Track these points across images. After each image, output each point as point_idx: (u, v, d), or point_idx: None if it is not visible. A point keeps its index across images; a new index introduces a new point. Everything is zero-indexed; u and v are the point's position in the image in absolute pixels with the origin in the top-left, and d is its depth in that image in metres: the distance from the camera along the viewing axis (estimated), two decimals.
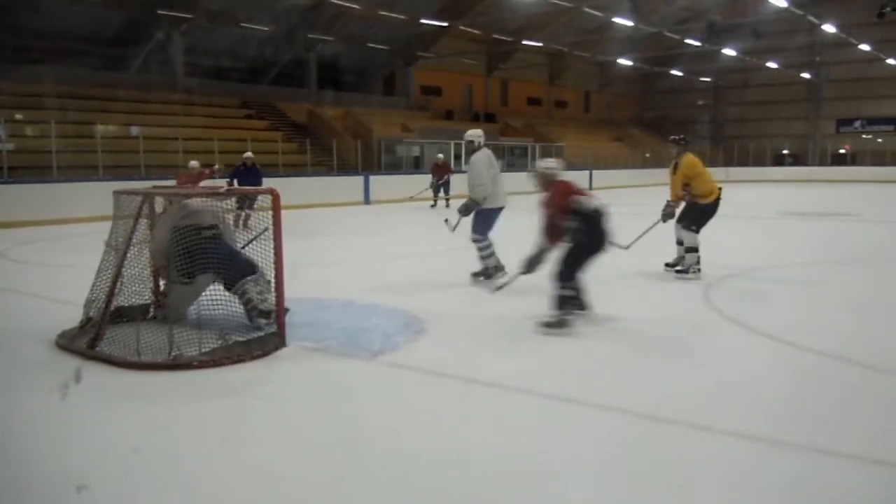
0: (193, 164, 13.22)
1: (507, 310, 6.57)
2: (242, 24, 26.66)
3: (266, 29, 27.76)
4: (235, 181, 13.24)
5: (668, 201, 8.01)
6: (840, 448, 3.42)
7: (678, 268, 8.02)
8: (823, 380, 4.55)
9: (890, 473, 3.20)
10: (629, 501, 2.98)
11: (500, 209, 7.77)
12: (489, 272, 7.70)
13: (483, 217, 7.70)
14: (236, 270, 5.52)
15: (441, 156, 20.61)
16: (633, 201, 15.90)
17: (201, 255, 5.37)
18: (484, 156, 7.66)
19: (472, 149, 7.69)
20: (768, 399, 4.19)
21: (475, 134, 7.85)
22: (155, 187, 6.04)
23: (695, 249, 7.84)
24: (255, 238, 5.70)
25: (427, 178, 20.60)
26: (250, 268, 5.59)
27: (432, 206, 19.63)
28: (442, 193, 19.68)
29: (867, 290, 7.66)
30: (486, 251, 7.72)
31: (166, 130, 21.05)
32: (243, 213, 8.95)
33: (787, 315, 6.37)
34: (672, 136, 8.29)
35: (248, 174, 13.48)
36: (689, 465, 3.32)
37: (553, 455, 3.40)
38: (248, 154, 14.03)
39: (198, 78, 25.81)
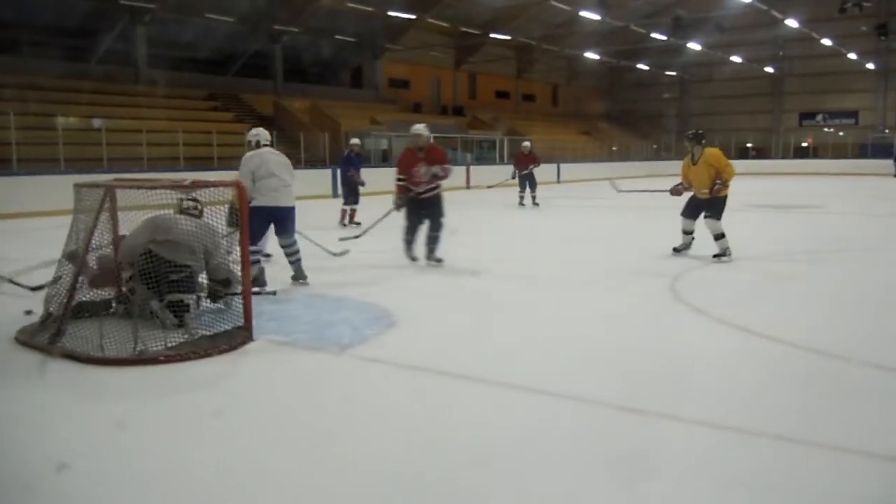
0: (526, 144, 15.68)
1: (475, 302, 6.57)
2: (207, 15, 26.29)
3: (231, 20, 27.40)
4: (352, 169, 12.85)
5: (680, 183, 8.96)
6: (806, 437, 3.46)
7: (716, 252, 8.58)
8: (790, 370, 4.59)
9: (857, 462, 3.23)
10: (600, 491, 2.98)
11: (263, 209, 6.73)
12: (259, 281, 6.75)
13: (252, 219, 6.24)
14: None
15: (528, 143, 18.03)
16: (604, 194, 15.99)
17: (162, 285, 5.29)
18: (249, 154, 6.86)
19: (250, 149, 6.96)
20: (734, 389, 4.22)
21: (250, 134, 7.13)
22: (117, 179, 5.91)
23: (722, 235, 8.55)
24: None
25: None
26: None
27: (521, 204, 17.39)
28: (528, 190, 17.28)
29: (831, 281, 7.77)
30: (252, 257, 6.46)
31: (130, 122, 20.72)
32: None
33: (752, 306, 6.44)
34: (689, 132, 8.88)
35: (357, 162, 13.07)
36: (658, 454, 3.34)
37: (523, 445, 3.40)
38: (356, 141, 13.47)
39: (162, 69, 25.38)
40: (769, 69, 43.54)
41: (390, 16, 29.98)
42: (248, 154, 6.90)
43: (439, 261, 8.17)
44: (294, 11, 28.44)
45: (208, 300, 5.72)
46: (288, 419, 3.78)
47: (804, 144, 43.53)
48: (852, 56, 39.45)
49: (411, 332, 5.48)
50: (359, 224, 11.65)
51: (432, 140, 8.34)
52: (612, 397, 3.99)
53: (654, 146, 44.71)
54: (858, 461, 3.23)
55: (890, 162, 32.93)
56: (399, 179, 8.25)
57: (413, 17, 30.93)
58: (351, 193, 13.00)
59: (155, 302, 5.31)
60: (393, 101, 34.40)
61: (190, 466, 3.21)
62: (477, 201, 18.83)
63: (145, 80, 24.85)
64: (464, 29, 34.59)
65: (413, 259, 8.26)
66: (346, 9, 29.14)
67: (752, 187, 24.58)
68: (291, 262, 7.17)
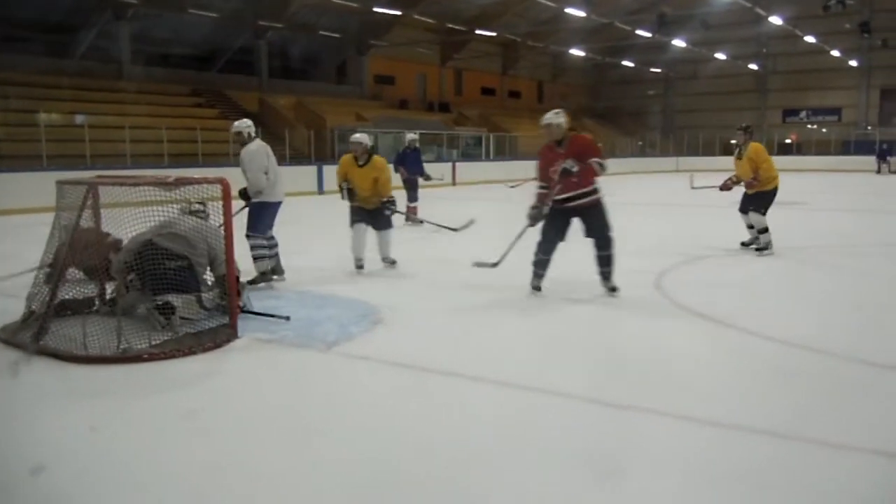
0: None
1: (462, 299, 6.54)
2: (190, 10, 26.11)
3: (215, 15, 27.22)
4: (402, 168, 12.50)
5: (730, 177, 9.16)
6: (796, 433, 3.47)
7: (757, 246, 8.76)
8: (780, 367, 4.60)
9: (847, 458, 3.24)
10: (588, 487, 2.97)
11: (278, 204, 7.09)
12: (267, 276, 6.96)
13: (258, 212, 6.92)
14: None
15: None
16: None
17: (156, 279, 5.21)
18: (256, 146, 6.89)
19: (243, 140, 6.91)
20: (718, 384, 4.23)
21: (243, 125, 6.98)
22: (99, 176, 5.86)
23: (766, 229, 8.69)
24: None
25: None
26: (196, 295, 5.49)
27: None
28: None
29: (814, 277, 7.81)
30: (261, 251, 6.89)
31: (113, 119, 20.57)
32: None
33: (736, 301, 6.45)
34: (742, 125, 9.05)
35: (414, 157, 12.79)
36: (645, 449, 3.33)
37: (512, 442, 3.39)
38: (413, 136, 13.17)
39: (145, 65, 25.21)
40: (753, 66, 43.75)
41: (375, 12, 29.88)
42: (253, 148, 6.83)
43: (614, 290, 6.44)
44: (278, 7, 28.30)
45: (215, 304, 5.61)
46: (274, 417, 3.75)
47: (788, 141, 43.75)
48: (835, 53, 39.69)
49: (399, 329, 5.46)
50: (421, 223, 11.16)
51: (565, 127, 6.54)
52: (598, 394, 3.99)
53: (640, 143, 44.85)
54: (848, 457, 3.24)
55: (873, 158, 33.20)
56: (541, 187, 6.44)
57: (398, 13, 30.82)
58: (409, 190, 12.63)
59: (144, 306, 5.26)
60: (378, 98, 34.31)
61: (175, 465, 3.18)
62: (466, 198, 18.78)
63: (128, 76, 24.66)
64: (450, 25, 34.51)
65: (536, 289, 6.53)
66: (331, 4, 29.04)
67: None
68: (271, 257, 7.11)
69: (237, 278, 5.51)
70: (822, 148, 39.66)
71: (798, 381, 4.28)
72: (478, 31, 34.85)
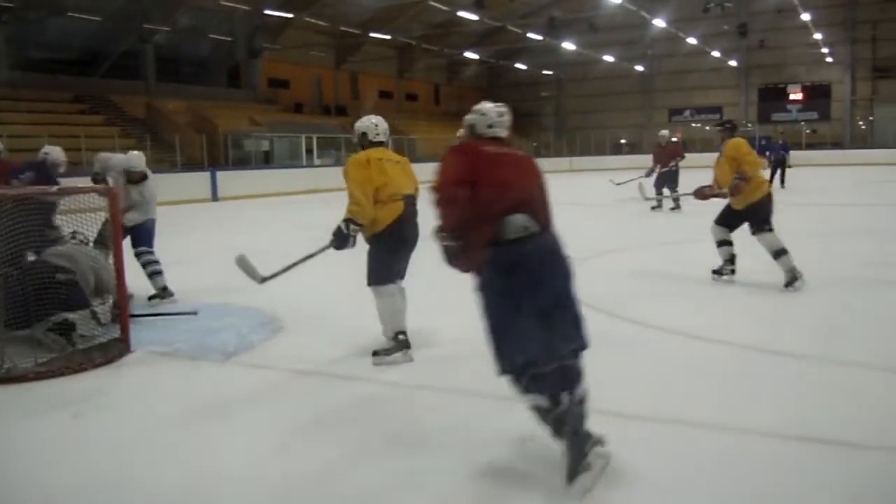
0: (664, 133, 14.45)
1: (362, 306, 6.51)
2: (71, 14, 25.01)
3: (98, 18, 26.15)
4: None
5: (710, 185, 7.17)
6: (698, 418, 3.62)
7: (787, 281, 6.58)
8: (671, 356, 4.79)
9: (738, 439, 3.41)
10: (492, 481, 3.02)
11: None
12: (168, 291, 6.64)
13: (150, 229, 6.72)
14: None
15: (666, 133, 14.73)
16: None
17: (45, 298, 4.91)
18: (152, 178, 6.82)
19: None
20: (617, 376, 4.37)
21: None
22: None
23: (784, 250, 6.68)
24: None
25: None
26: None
27: (655, 207, 13.78)
28: (666, 191, 13.70)
29: (704, 269, 8.14)
30: (158, 266, 6.63)
31: None
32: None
33: (630, 295, 6.67)
34: (717, 121, 7.61)
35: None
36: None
37: (416, 446, 3.40)
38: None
39: (23, 70, 23.97)
40: (639, 67, 45.33)
41: (267, 14, 29.38)
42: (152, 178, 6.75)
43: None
44: (165, 9, 27.42)
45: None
46: (169, 433, 3.64)
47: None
48: (716, 54, 41.60)
49: (298, 336, 5.39)
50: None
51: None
52: (497, 389, 4.05)
53: (534, 144, 45.76)
54: (741, 439, 3.40)
55: None
56: None
57: (290, 15, 30.42)
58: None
59: (37, 328, 4.96)
60: (273, 102, 33.73)
61: (63, 491, 3.04)
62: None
63: (5, 82, 23.40)
64: (343, 28, 34.31)
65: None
66: (220, 7, 28.40)
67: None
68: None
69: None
70: (707, 145, 41.36)
71: (689, 368, 4.47)
72: (372, 34, 34.77)
